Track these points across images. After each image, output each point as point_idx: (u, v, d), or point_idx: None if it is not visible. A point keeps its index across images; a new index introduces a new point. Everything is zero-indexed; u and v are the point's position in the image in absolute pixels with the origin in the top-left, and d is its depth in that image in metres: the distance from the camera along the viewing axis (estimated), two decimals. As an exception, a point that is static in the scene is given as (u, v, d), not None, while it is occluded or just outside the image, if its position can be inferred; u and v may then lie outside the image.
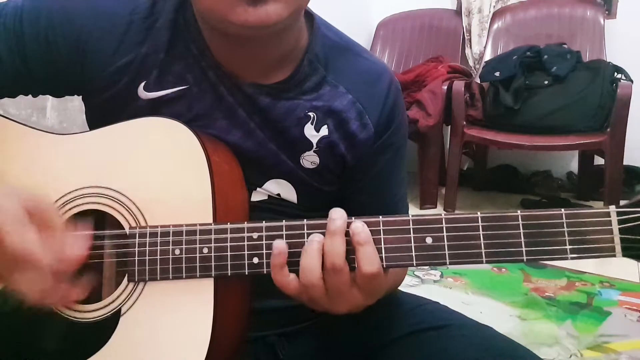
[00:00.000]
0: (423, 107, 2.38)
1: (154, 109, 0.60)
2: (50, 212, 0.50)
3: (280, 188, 0.64)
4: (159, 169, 0.56)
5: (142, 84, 0.60)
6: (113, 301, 0.54)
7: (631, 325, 1.49)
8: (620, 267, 1.82)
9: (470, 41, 2.87)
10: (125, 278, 0.54)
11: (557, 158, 2.88)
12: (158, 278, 0.53)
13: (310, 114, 0.62)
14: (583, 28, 2.60)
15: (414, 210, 2.50)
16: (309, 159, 0.63)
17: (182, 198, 0.54)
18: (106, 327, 0.54)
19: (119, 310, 0.54)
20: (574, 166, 2.81)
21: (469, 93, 2.46)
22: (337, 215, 0.50)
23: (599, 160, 2.51)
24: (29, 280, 0.47)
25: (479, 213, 0.48)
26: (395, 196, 0.70)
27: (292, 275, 0.51)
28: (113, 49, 0.59)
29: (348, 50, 0.67)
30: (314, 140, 0.63)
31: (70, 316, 0.54)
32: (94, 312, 0.54)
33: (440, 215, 0.49)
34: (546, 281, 1.75)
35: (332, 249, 0.49)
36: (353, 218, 0.50)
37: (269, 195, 0.63)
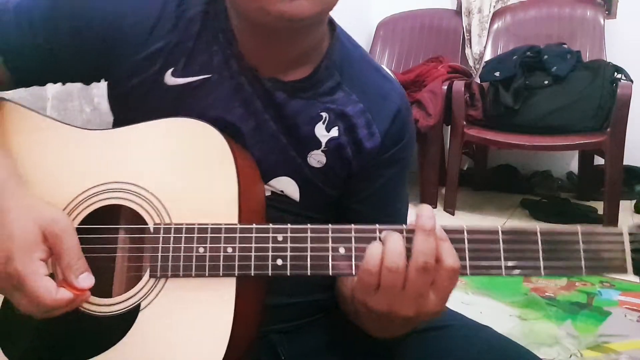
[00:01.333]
0: (423, 107, 2.38)
1: (178, 95, 0.62)
2: (67, 234, 0.51)
3: (284, 186, 0.65)
4: (186, 169, 0.56)
5: (170, 70, 0.62)
6: (133, 296, 0.54)
7: (631, 325, 1.49)
8: (620, 267, 1.82)
9: (470, 41, 2.87)
10: (147, 273, 0.54)
11: (557, 158, 2.88)
12: (180, 275, 0.53)
13: (322, 114, 0.64)
14: (583, 28, 2.60)
15: (413, 210, 2.49)
16: (316, 158, 0.65)
17: (208, 198, 0.55)
18: (124, 321, 0.54)
19: (139, 305, 0.54)
20: (574, 166, 2.81)
21: (469, 93, 2.45)
22: (430, 213, 0.49)
23: (599, 160, 2.51)
24: (26, 303, 0.50)
25: (499, 226, 0.50)
26: (398, 211, 0.71)
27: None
28: (144, 37, 0.61)
29: (363, 63, 0.69)
30: (324, 140, 0.64)
31: (89, 310, 0.55)
32: (113, 306, 0.54)
33: (462, 227, 0.50)
34: (546, 281, 1.75)
35: (426, 246, 0.48)
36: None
37: (272, 192, 0.64)
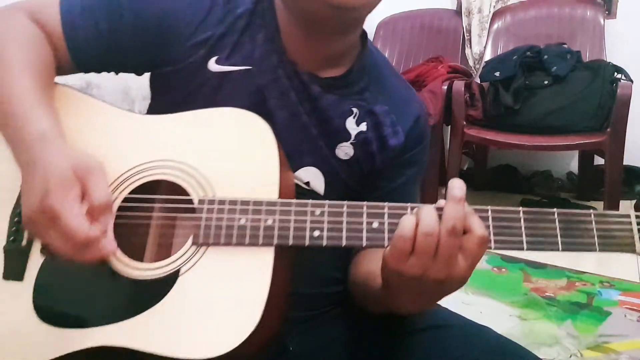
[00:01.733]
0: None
1: (219, 81, 0.65)
2: (97, 176, 0.54)
3: (310, 176, 0.68)
4: (231, 149, 0.60)
5: (215, 58, 0.65)
6: (174, 261, 0.56)
7: (631, 325, 1.49)
8: (620, 267, 1.82)
9: (470, 41, 2.87)
10: (189, 240, 0.56)
11: (557, 158, 2.88)
12: (221, 242, 0.56)
13: (353, 109, 0.69)
14: (583, 28, 2.60)
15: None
16: (344, 150, 0.69)
17: (250, 177, 0.58)
18: (163, 285, 0.55)
19: (178, 270, 0.56)
20: (574, 166, 2.81)
21: (469, 93, 2.45)
22: (460, 184, 0.52)
23: (599, 160, 2.51)
24: (59, 238, 0.52)
25: (521, 208, 0.55)
26: None
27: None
28: (195, 26, 0.65)
29: (388, 70, 0.76)
30: (353, 133, 0.69)
31: (129, 273, 0.56)
32: (153, 270, 0.56)
33: (487, 208, 0.54)
34: (546, 281, 1.75)
35: (455, 212, 0.50)
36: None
37: (297, 185, 0.66)
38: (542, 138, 2.23)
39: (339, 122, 0.68)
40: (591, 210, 0.55)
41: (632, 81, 2.17)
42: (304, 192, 0.67)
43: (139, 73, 0.70)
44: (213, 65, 0.66)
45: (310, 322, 0.71)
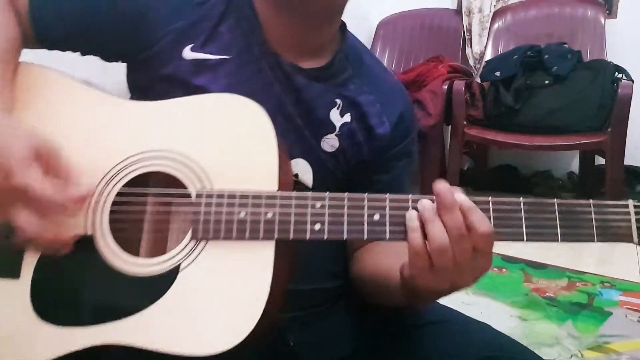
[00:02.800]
0: (423, 106, 2.38)
1: (194, 69, 0.64)
2: (56, 156, 0.53)
3: (298, 168, 0.67)
4: (229, 139, 0.58)
5: (190, 45, 0.64)
6: (173, 257, 0.55)
7: (632, 325, 1.49)
8: (620, 267, 1.82)
9: (470, 41, 2.87)
10: (189, 235, 0.55)
11: (557, 158, 2.88)
12: (221, 237, 0.55)
13: (337, 100, 0.68)
14: (584, 28, 2.60)
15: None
16: (330, 142, 0.68)
17: (249, 167, 0.57)
18: (164, 281, 0.55)
19: (179, 265, 0.55)
20: (574, 166, 2.81)
21: (469, 93, 2.45)
22: (444, 188, 0.52)
23: (599, 160, 2.51)
24: (26, 215, 0.51)
25: (521, 199, 0.55)
26: None
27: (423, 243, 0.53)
28: (169, 13, 0.64)
29: (371, 60, 0.75)
30: (338, 124, 0.68)
31: (128, 270, 0.55)
32: (153, 267, 0.55)
33: (488, 199, 0.55)
34: (547, 281, 1.75)
35: (453, 221, 0.51)
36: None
37: None
38: (543, 138, 2.23)
39: (323, 114, 0.67)
40: (590, 201, 0.55)
41: (632, 81, 2.17)
42: (294, 185, 0.66)
43: (109, 59, 0.68)
44: (188, 53, 0.64)
45: (311, 317, 0.71)
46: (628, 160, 2.22)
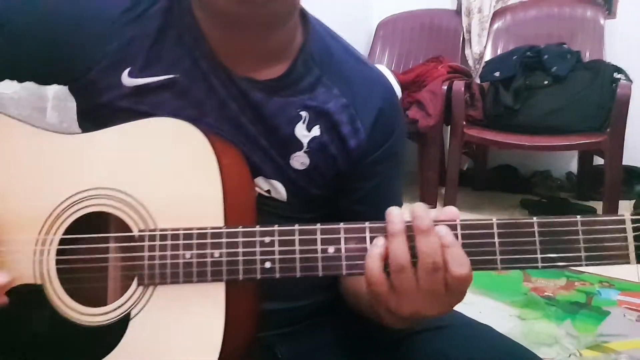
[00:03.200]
0: (423, 107, 2.38)
1: (139, 96, 0.59)
2: None
3: (269, 185, 0.62)
4: (168, 171, 0.54)
5: (127, 70, 0.59)
6: (122, 304, 0.53)
7: (630, 325, 1.49)
8: (619, 267, 1.82)
9: (470, 41, 2.87)
10: (135, 281, 0.53)
11: (556, 158, 2.88)
12: (168, 282, 0.52)
13: (302, 113, 0.61)
14: (583, 28, 2.60)
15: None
16: (299, 160, 0.62)
17: (192, 200, 0.53)
18: (115, 330, 0.53)
19: (129, 313, 0.53)
20: (573, 166, 2.81)
21: (469, 93, 2.46)
22: (422, 213, 0.47)
23: (598, 160, 2.51)
24: None
25: (494, 219, 0.48)
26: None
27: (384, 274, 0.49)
28: (100, 34, 0.58)
29: (345, 54, 0.66)
30: (305, 141, 0.62)
31: (80, 320, 0.54)
32: (102, 316, 0.54)
33: (455, 221, 0.48)
34: (545, 281, 1.76)
35: (429, 247, 0.47)
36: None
37: (259, 194, 0.62)
38: (542, 138, 2.23)
39: (288, 130, 0.61)
40: (578, 217, 0.48)
41: (631, 81, 2.17)
42: (267, 201, 0.62)
43: (42, 83, 0.64)
44: (126, 79, 0.58)
45: (300, 331, 0.69)
46: (627, 161, 2.23)
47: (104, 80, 0.59)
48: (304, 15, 0.64)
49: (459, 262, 0.46)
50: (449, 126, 2.48)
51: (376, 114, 0.64)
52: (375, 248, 0.48)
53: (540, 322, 1.50)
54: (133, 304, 0.53)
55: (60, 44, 0.59)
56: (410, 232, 0.47)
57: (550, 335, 1.43)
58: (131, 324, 0.53)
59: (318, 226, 0.51)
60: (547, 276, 1.79)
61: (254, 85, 0.60)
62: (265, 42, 0.59)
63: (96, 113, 0.60)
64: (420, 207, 0.48)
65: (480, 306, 1.57)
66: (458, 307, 0.69)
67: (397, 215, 0.48)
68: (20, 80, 0.63)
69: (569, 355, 1.34)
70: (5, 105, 1.55)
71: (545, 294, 1.67)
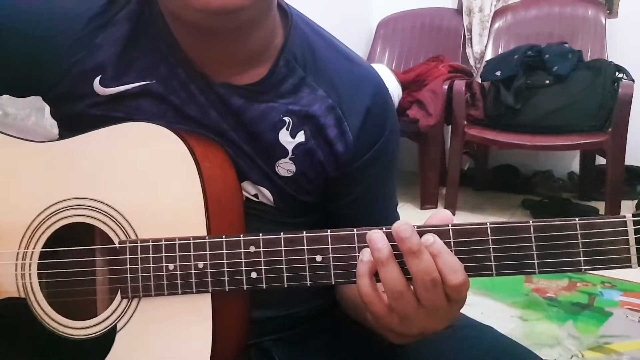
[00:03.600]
0: (424, 106, 2.38)
1: (114, 103, 0.57)
2: None
3: (257, 190, 0.61)
4: (146, 178, 0.53)
5: (97, 78, 0.57)
6: (108, 317, 0.52)
7: (632, 325, 1.48)
8: (621, 268, 1.82)
9: (471, 40, 2.87)
10: (119, 294, 0.52)
11: (558, 158, 2.87)
12: (152, 294, 0.51)
13: (285, 118, 0.59)
14: (584, 27, 2.59)
15: (414, 211, 2.49)
16: (285, 167, 0.60)
17: (172, 208, 0.52)
18: (103, 344, 0.52)
19: (115, 326, 0.52)
20: (575, 166, 2.81)
21: (469, 93, 2.45)
22: (408, 233, 0.45)
23: (600, 160, 2.50)
24: None
25: (488, 223, 0.46)
26: (386, 210, 0.67)
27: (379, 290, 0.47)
28: (69, 45, 0.56)
29: (331, 52, 0.62)
30: (290, 147, 0.59)
31: (65, 333, 0.53)
32: (88, 329, 0.53)
33: (448, 226, 0.46)
34: (547, 282, 1.75)
35: (422, 266, 0.45)
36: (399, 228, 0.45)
37: (246, 198, 0.61)
38: (543, 138, 2.22)
39: (272, 137, 0.58)
40: (576, 220, 0.45)
41: (633, 81, 2.16)
42: (254, 205, 0.61)
43: (18, 96, 0.62)
44: (99, 88, 0.56)
45: (294, 336, 0.68)
46: (629, 160, 2.22)
47: (76, 90, 0.57)
48: (284, 10, 0.61)
49: (452, 270, 0.45)
50: (450, 126, 2.47)
51: (364, 113, 0.60)
52: (362, 265, 0.46)
53: (542, 323, 1.50)
54: (118, 317, 0.52)
55: (30, 56, 0.57)
56: (397, 250, 0.45)
57: (552, 336, 1.42)
58: (118, 337, 0.52)
59: (304, 234, 0.49)
60: (549, 277, 1.78)
61: (233, 91, 0.57)
62: (241, 47, 0.56)
63: (71, 121, 0.59)
64: (401, 225, 0.45)
65: (481, 307, 1.57)
66: (459, 309, 0.69)
67: (380, 239, 0.46)
68: None
69: (571, 357, 1.33)
70: (4, 105, 1.55)
71: (547, 294, 1.66)
